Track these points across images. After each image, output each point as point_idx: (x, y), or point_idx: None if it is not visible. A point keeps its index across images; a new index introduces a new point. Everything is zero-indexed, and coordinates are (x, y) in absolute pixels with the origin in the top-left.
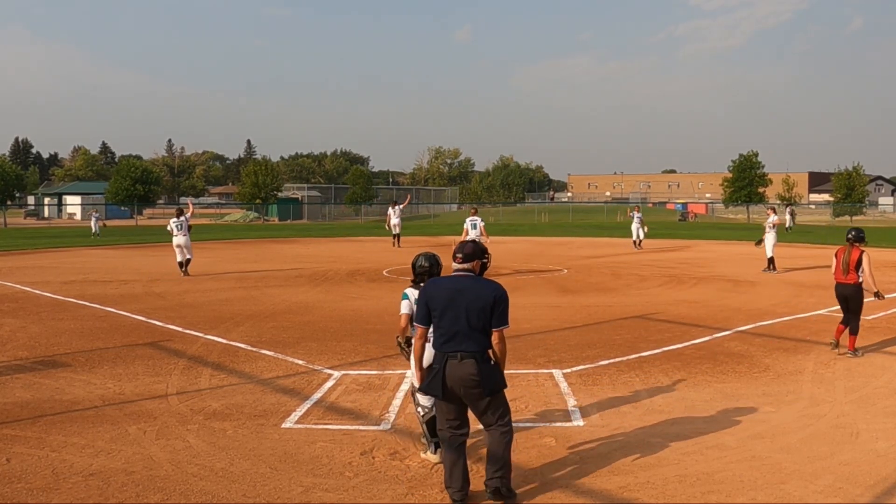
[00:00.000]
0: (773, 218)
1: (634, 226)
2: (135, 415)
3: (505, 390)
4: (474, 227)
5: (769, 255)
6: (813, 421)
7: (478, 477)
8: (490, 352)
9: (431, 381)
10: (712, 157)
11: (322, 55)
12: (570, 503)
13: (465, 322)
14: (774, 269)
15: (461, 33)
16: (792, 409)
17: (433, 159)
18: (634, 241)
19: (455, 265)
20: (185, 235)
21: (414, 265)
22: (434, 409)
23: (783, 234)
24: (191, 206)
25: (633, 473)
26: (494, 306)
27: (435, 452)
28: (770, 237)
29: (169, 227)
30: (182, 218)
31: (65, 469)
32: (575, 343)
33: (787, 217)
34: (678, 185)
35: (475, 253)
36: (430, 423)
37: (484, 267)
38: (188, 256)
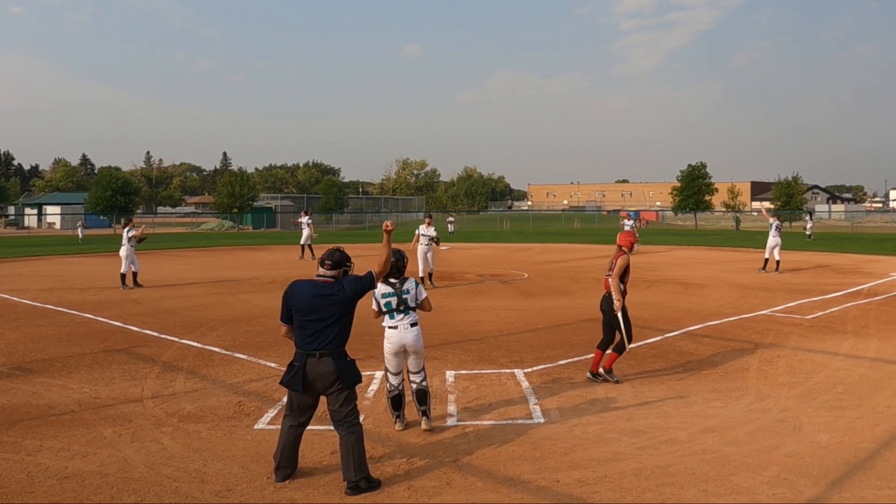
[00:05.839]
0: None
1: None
2: (110, 418)
3: (357, 386)
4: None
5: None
6: (759, 415)
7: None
8: (344, 348)
9: (292, 376)
10: (662, 168)
11: (293, 70)
12: (530, 499)
13: (323, 322)
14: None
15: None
16: (739, 404)
17: (401, 170)
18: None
19: (322, 270)
20: (123, 246)
21: None
22: (400, 387)
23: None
24: (143, 227)
25: (591, 468)
26: (360, 292)
27: (396, 422)
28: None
29: None
30: (124, 230)
31: (40, 472)
32: (536, 344)
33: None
34: (630, 194)
35: (341, 261)
36: (395, 400)
37: (346, 274)
38: (122, 270)
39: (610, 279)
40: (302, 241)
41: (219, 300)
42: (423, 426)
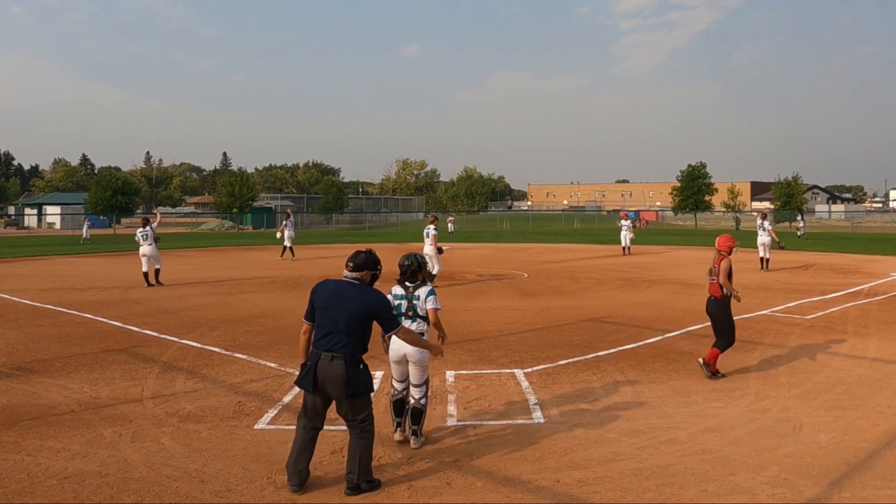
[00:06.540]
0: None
1: (623, 233)
2: (110, 418)
3: (371, 394)
4: (427, 235)
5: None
6: (759, 415)
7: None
8: (362, 356)
9: (304, 376)
10: (662, 168)
11: (293, 70)
12: (530, 499)
13: (340, 325)
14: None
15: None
16: (739, 404)
17: (401, 170)
18: (623, 248)
19: (345, 272)
20: (150, 245)
21: (399, 264)
22: (403, 392)
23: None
24: (158, 216)
25: (591, 468)
26: (375, 316)
27: (395, 430)
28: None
29: (136, 237)
30: (147, 228)
31: (40, 472)
32: (535, 344)
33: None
34: (630, 194)
35: (366, 264)
36: (396, 405)
37: (374, 278)
38: (157, 266)
39: (718, 283)
40: (288, 244)
41: (219, 300)
42: (412, 445)
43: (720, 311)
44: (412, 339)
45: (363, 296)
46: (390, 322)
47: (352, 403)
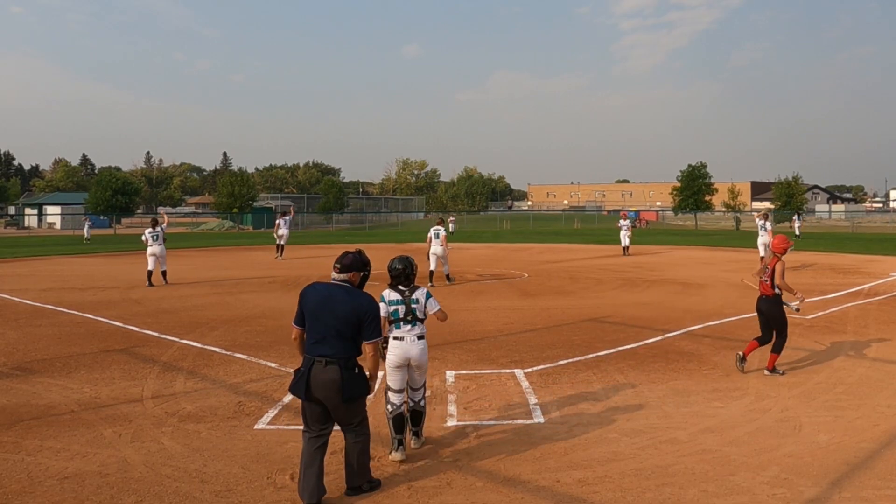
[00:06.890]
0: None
1: (623, 233)
2: (110, 418)
3: (367, 397)
4: (437, 236)
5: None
6: (759, 415)
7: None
8: (356, 359)
9: (297, 382)
10: (662, 168)
11: (293, 70)
12: (530, 499)
13: (332, 329)
14: None
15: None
16: (739, 404)
17: (401, 170)
18: (623, 248)
19: (333, 274)
20: (160, 245)
21: (389, 268)
22: (402, 407)
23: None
24: (165, 217)
25: (591, 468)
26: (363, 320)
27: (397, 450)
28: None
29: (143, 237)
30: (158, 228)
31: (40, 473)
32: (535, 344)
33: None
34: (631, 194)
35: (353, 265)
36: (396, 420)
37: (364, 279)
38: (163, 268)
39: (769, 283)
40: (280, 242)
41: (219, 300)
42: (413, 444)
43: (773, 308)
44: (374, 363)
45: (354, 299)
46: (374, 331)
47: (348, 408)
